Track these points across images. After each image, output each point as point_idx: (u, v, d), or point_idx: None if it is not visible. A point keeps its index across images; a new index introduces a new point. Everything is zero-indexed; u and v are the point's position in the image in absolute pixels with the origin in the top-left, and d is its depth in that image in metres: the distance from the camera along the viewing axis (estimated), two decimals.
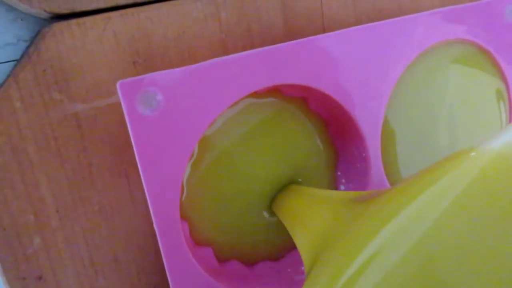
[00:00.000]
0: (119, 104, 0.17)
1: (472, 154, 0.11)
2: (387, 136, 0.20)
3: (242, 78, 0.15)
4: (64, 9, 0.16)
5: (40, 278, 0.18)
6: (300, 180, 0.18)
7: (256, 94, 0.16)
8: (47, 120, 0.17)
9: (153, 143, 0.14)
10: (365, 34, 0.18)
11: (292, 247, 0.19)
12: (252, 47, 0.19)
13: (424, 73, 0.20)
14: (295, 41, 0.16)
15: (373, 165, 0.19)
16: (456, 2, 0.23)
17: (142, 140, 0.14)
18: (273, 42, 0.20)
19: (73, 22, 0.16)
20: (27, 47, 0.16)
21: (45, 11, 0.16)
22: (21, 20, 0.18)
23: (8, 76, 0.16)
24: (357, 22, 0.22)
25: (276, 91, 0.17)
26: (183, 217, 0.17)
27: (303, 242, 0.13)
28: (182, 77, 0.14)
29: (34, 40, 0.16)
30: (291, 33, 0.20)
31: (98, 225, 0.18)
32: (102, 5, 0.17)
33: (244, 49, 0.19)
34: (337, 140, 0.19)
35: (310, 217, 0.14)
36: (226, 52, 0.19)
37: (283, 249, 0.19)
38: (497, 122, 0.22)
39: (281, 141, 0.17)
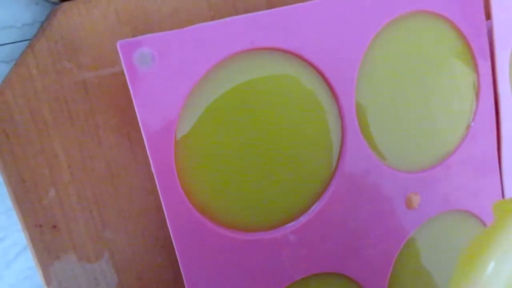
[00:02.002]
0: (122, 73, 0.20)
1: None
2: (360, 101, 0.22)
3: (224, 40, 0.18)
4: None
5: (54, 226, 0.20)
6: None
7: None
8: (59, 85, 0.19)
9: (149, 94, 0.17)
10: (335, 5, 0.20)
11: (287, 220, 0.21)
12: None
13: (393, 41, 0.22)
14: (275, 9, 0.19)
15: (350, 129, 0.21)
16: None
17: (140, 92, 0.17)
18: None
19: (80, 1, 0.19)
20: (42, 24, 0.19)
21: None
22: (36, 4, 0.21)
23: (26, 47, 0.19)
24: None
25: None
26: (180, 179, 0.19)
27: None
28: (173, 38, 0.17)
29: (48, 17, 0.19)
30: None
31: (104, 181, 0.21)
32: None
33: None
34: None
35: None
36: None
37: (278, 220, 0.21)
38: (466, 89, 0.24)
39: (281, 97, 0.20)
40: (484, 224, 0.26)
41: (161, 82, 0.17)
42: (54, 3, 0.20)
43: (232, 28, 0.18)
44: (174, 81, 0.17)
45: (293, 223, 0.21)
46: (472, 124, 0.24)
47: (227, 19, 0.18)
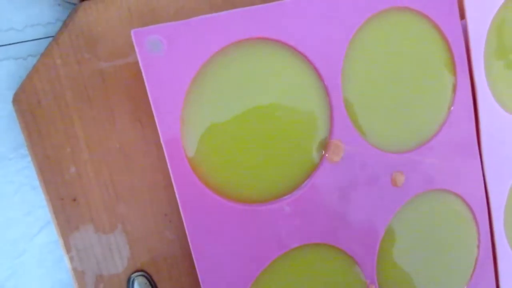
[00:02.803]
0: (134, 63, 0.23)
1: None
2: (346, 92, 0.24)
3: (224, 30, 0.20)
4: None
5: (74, 200, 0.22)
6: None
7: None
8: (80, 73, 0.22)
9: (159, 75, 0.19)
10: (322, 0, 0.23)
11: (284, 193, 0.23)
12: None
13: (376, 33, 0.25)
14: (270, 3, 0.21)
15: (336, 109, 0.23)
16: None
17: (151, 74, 0.19)
18: None
19: (98, 0, 0.22)
20: (64, 20, 0.22)
21: None
22: (59, 5, 0.24)
23: (51, 41, 0.22)
24: None
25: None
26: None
27: None
28: (180, 27, 0.20)
29: (69, 14, 0.22)
30: None
31: (118, 160, 0.23)
32: None
33: None
34: None
35: None
36: None
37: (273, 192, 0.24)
38: (445, 77, 0.27)
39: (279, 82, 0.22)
40: (466, 203, 0.28)
41: (169, 65, 0.20)
42: (75, 4, 0.23)
43: (232, 20, 0.21)
44: (181, 64, 0.20)
45: (288, 195, 0.23)
46: (451, 108, 0.27)
47: (227, 12, 0.21)
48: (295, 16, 0.22)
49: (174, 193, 0.24)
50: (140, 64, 0.19)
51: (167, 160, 0.20)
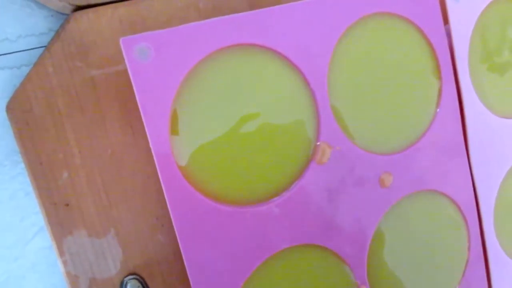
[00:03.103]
0: (125, 71, 0.23)
1: None
2: (333, 96, 0.25)
3: (211, 37, 0.21)
4: (83, 1, 0.23)
5: (67, 205, 0.23)
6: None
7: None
8: (72, 81, 0.22)
9: (147, 82, 0.20)
10: (307, 7, 0.23)
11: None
12: None
13: (360, 38, 0.25)
14: (255, 10, 0.22)
15: (323, 113, 0.24)
16: None
17: (140, 81, 0.20)
18: None
19: (90, 10, 0.23)
20: (57, 29, 0.23)
21: (69, 3, 0.22)
22: (52, 16, 0.24)
23: (43, 50, 0.22)
24: None
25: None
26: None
27: None
28: (167, 35, 0.20)
29: (62, 24, 0.22)
30: None
31: (110, 165, 0.24)
32: None
33: None
34: None
35: None
36: None
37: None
38: (430, 80, 0.27)
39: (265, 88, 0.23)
40: (455, 204, 0.28)
41: (157, 72, 0.20)
42: (67, 15, 0.24)
43: (218, 27, 0.21)
44: (168, 71, 0.20)
45: (277, 197, 0.24)
46: (437, 110, 0.27)
47: (214, 19, 0.21)
48: (281, 22, 0.23)
49: (164, 198, 0.24)
50: (129, 72, 0.20)
51: (157, 165, 0.21)
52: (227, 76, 0.22)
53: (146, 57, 0.20)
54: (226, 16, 0.22)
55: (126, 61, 0.20)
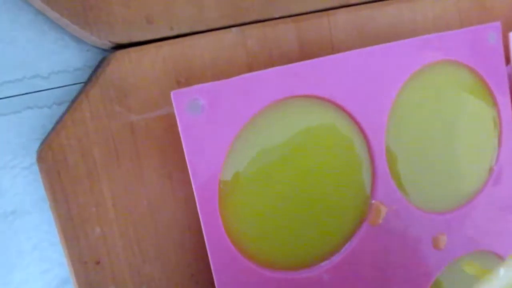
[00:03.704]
0: (166, 116, 0.21)
1: None
2: (389, 150, 0.23)
3: (265, 89, 0.19)
4: (124, 39, 0.20)
5: (98, 262, 0.21)
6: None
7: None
8: (109, 128, 0.20)
9: (197, 139, 0.18)
10: (366, 56, 0.21)
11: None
12: None
13: (419, 88, 0.23)
14: (311, 60, 0.20)
15: (380, 170, 0.22)
16: (447, 28, 0.27)
17: (189, 137, 0.18)
18: None
19: (132, 50, 0.21)
20: (95, 70, 0.21)
21: (109, 41, 0.20)
22: (87, 51, 0.22)
23: (80, 93, 0.20)
24: (362, 46, 0.25)
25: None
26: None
27: None
28: (220, 88, 0.18)
29: (101, 64, 0.20)
30: (305, 56, 0.24)
31: (145, 218, 0.22)
32: (154, 36, 0.21)
33: None
34: None
35: None
36: None
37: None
38: (489, 133, 0.25)
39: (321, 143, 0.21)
40: None
41: (209, 128, 0.18)
42: (105, 50, 0.22)
43: (272, 78, 0.19)
44: (221, 127, 0.18)
45: (326, 262, 0.22)
46: (494, 167, 0.25)
47: (267, 70, 0.19)
48: (338, 72, 0.21)
49: (201, 252, 0.22)
50: (179, 127, 0.18)
51: (203, 229, 0.19)
52: (281, 131, 0.20)
53: (198, 112, 0.18)
54: (280, 67, 0.20)
55: (176, 115, 0.18)
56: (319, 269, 0.21)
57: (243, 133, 0.19)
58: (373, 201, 0.22)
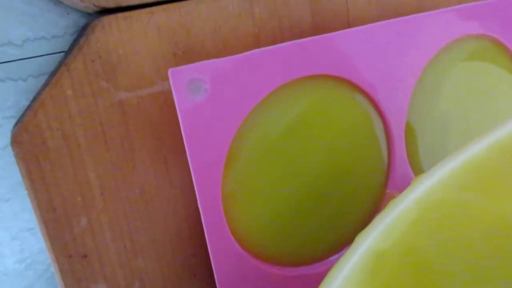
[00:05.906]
0: (161, 93, 0.19)
1: None
2: (410, 129, 0.21)
3: (275, 68, 0.16)
4: (111, 3, 0.17)
5: (85, 256, 0.19)
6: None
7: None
8: (95, 107, 0.18)
9: (199, 126, 0.16)
10: (389, 29, 0.19)
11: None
12: (282, 40, 0.21)
13: (445, 67, 0.21)
14: (326, 34, 0.17)
15: (398, 156, 0.20)
16: (472, 0, 0.24)
17: (189, 123, 0.15)
18: (302, 36, 0.21)
19: (120, 16, 0.17)
20: (77, 39, 0.18)
21: (94, 5, 0.17)
22: (68, 14, 0.19)
23: (60, 65, 0.17)
24: (380, 19, 0.23)
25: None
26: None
27: None
28: (226, 66, 0.15)
29: (84, 32, 0.17)
30: (318, 27, 0.21)
31: (138, 207, 0.19)
32: (145, 0, 0.18)
33: (275, 43, 0.20)
34: None
35: None
36: (259, 45, 0.20)
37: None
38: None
39: (335, 128, 0.18)
40: None
41: (212, 113, 0.16)
42: (89, 14, 0.19)
43: (284, 56, 0.17)
44: (226, 112, 0.16)
45: (335, 256, 0.20)
46: None
47: (276, 46, 0.17)
48: (354, 48, 0.18)
49: (200, 243, 0.21)
50: (178, 111, 0.15)
51: (203, 222, 0.17)
52: (292, 115, 0.18)
53: (200, 95, 0.15)
54: (291, 42, 0.17)
55: (174, 97, 0.15)
56: (328, 264, 0.20)
57: (250, 118, 0.17)
58: (388, 191, 0.20)
